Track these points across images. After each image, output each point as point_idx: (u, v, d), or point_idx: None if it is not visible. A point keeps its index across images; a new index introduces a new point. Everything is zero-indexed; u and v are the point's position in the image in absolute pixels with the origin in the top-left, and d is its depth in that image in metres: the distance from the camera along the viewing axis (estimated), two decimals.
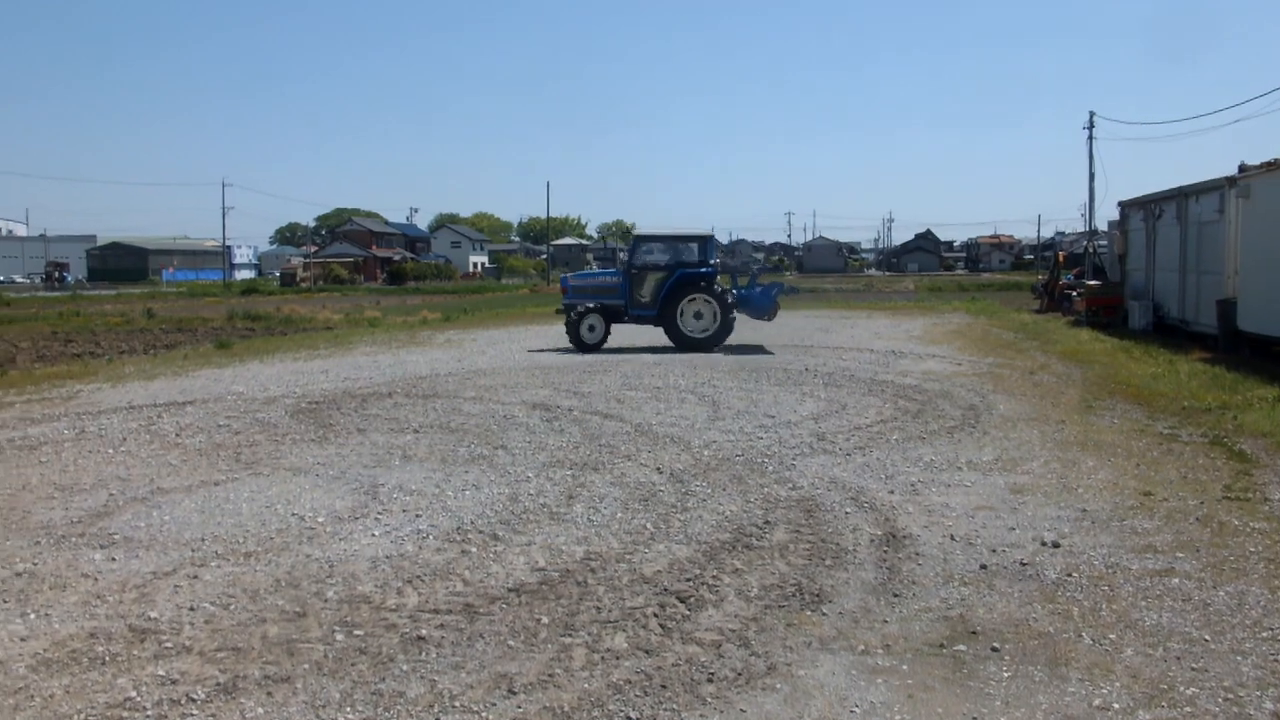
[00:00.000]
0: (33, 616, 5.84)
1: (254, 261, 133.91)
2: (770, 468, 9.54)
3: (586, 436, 11.27)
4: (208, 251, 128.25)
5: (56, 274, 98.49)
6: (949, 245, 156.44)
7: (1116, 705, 4.60)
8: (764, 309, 23.77)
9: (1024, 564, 6.62)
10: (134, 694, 4.79)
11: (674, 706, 4.63)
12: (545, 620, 5.69)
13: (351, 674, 5.00)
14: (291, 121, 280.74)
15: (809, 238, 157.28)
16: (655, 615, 5.74)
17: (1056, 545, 7.00)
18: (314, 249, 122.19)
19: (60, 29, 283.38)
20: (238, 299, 57.02)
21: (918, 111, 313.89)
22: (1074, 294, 31.29)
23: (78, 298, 61.24)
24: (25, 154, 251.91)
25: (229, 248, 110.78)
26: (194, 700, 4.72)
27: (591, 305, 22.18)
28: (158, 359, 21.42)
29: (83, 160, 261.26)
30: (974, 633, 5.47)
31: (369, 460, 10.08)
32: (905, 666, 5.06)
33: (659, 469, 9.53)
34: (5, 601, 6.09)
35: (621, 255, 23.94)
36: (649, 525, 7.61)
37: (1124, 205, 29.20)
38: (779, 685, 4.86)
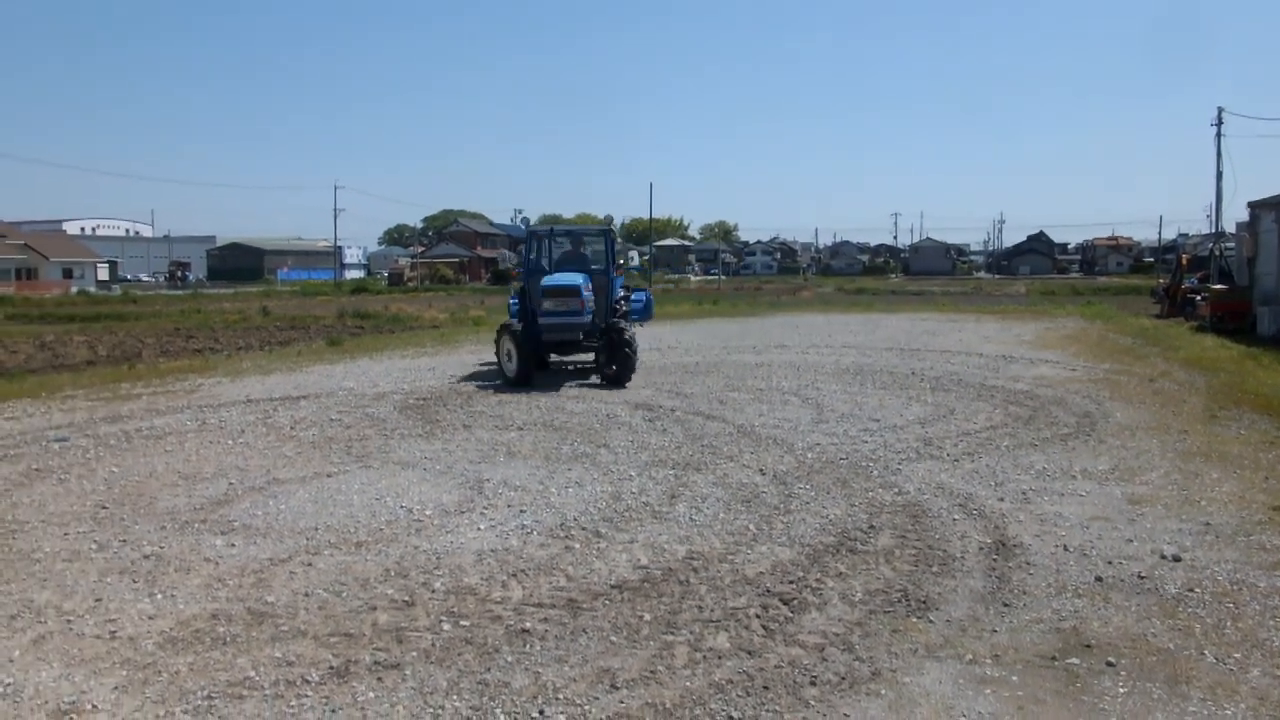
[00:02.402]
0: (159, 597, 6.12)
1: (363, 261, 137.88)
2: (875, 472, 9.40)
3: (689, 437, 11.27)
4: (319, 252, 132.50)
5: (179, 273, 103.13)
6: (1063, 247, 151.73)
7: None
8: (643, 315, 20.34)
9: (1142, 577, 6.38)
10: (253, 673, 4.98)
11: (776, 708, 4.60)
12: (647, 617, 5.71)
13: (458, 663, 5.10)
14: (401, 126, 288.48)
15: (916, 239, 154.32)
16: (758, 616, 5.72)
17: (1177, 559, 6.72)
18: (421, 249, 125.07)
19: (183, 42, 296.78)
20: (348, 298, 58.70)
21: (1030, 109, 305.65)
22: (1198, 298, 30.03)
23: (198, 296, 63.95)
24: (152, 159, 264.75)
25: (340, 248, 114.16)
26: (308, 682, 4.88)
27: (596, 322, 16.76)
28: (273, 355, 22.22)
29: (205, 165, 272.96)
30: (1088, 646, 5.30)
31: (474, 456, 10.27)
32: (1015, 678, 4.92)
33: (762, 470, 9.48)
34: (135, 582, 6.40)
35: (585, 251, 18.60)
36: (751, 526, 7.58)
37: (1254, 206, 27.91)
38: (883, 691, 4.78)
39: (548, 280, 16.38)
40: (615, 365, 15.92)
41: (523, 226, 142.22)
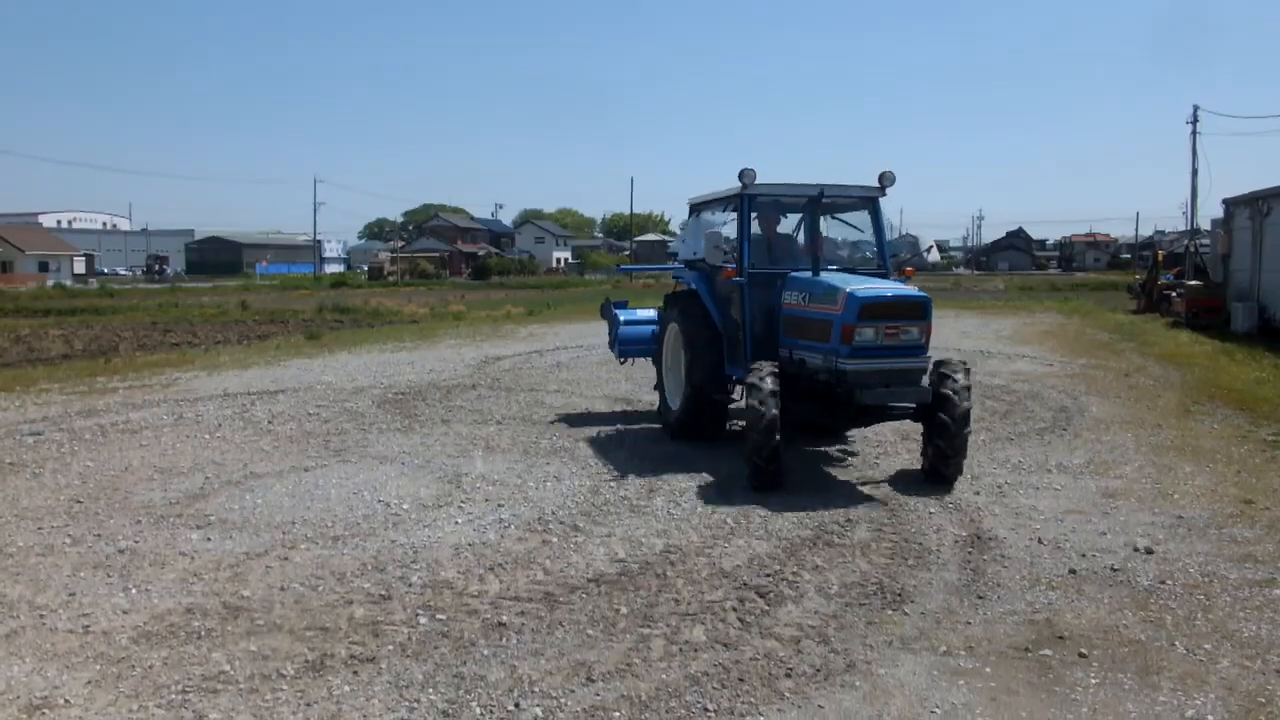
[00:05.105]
0: (134, 591, 6.08)
1: (343, 256, 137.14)
2: (852, 465, 9.43)
3: (668, 431, 11.26)
4: (299, 246, 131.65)
5: (157, 267, 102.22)
6: (1041, 244, 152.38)
7: (1210, 717, 4.46)
8: None
9: (1115, 570, 6.44)
10: (227, 668, 4.96)
11: (752, 700, 4.62)
12: (624, 611, 5.72)
13: (434, 657, 5.10)
14: (381, 120, 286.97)
15: (895, 235, 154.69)
16: (734, 609, 5.74)
17: (1150, 552, 6.79)
18: (401, 244, 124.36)
19: (161, 34, 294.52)
20: (327, 292, 58.25)
21: (1009, 106, 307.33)
22: (1173, 294, 30.24)
23: (176, 290, 63.34)
24: (130, 152, 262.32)
25: (319, 242, 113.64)
26: (284, 676, 4.86)
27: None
28: (251, 349, 22.08)
29: (183, 158, 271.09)
30: (1061, 638, 5.35)
31: (453, 450, 10.25)
32: (988, 669, 4.97)
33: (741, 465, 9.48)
34: (109, 576, 6.36)
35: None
36: (729, 520, 7.60)
37: (1229, 203, 28.14)
38: (858, 683, 4.81)
39: (865, 290, 8.57)
40: (937, 443, 8.62)
41: (503, 220, 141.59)
